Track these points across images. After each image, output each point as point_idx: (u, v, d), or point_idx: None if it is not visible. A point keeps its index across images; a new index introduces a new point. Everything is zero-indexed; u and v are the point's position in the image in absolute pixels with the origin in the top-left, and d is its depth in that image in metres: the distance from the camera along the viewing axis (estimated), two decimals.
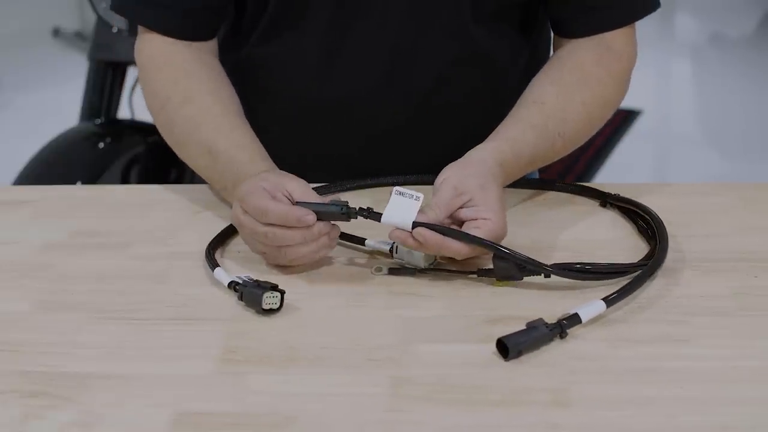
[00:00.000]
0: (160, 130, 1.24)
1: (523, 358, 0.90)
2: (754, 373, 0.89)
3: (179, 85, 1.22)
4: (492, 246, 1.01)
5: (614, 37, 1.24)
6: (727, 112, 4.24)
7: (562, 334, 0.92)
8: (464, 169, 1.08)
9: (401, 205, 1.02)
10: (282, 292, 0.98)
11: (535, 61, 1.32)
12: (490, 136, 1.17)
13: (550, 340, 0.92)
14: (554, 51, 1.29)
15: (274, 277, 1.03)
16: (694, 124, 4.20)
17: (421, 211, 1.02)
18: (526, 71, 1.30)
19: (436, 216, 1.03)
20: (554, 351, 0.91)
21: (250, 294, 0.99)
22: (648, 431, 0.81)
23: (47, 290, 1.06)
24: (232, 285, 1.01)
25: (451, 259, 1.04)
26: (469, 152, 1.12)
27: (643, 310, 0.98)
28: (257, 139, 1.19)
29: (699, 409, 0.84)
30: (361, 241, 1.10)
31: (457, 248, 1.01)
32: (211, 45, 1.28)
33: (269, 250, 1.05)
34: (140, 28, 1.27)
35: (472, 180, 1.05)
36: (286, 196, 1.05)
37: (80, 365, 0.91)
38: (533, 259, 1.00)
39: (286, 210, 1.02)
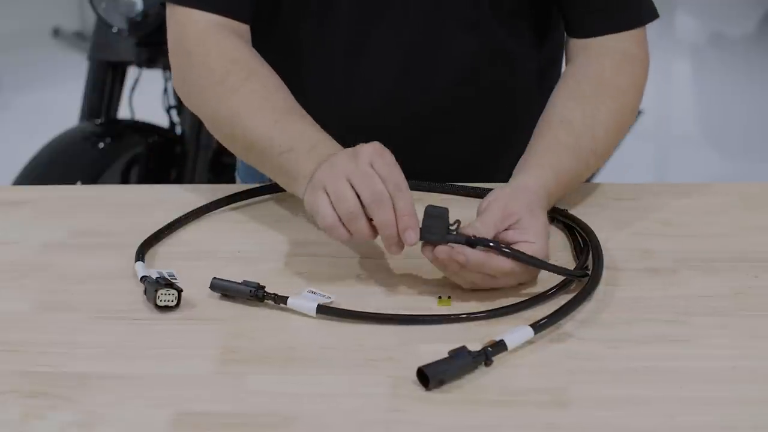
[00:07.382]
0: (208, 105, 1.20)
1: (522, 358, 0.90)
2: (754, 373, 0.89)
3: (238, 62, 1.20)
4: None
5: (630, 43, 1.24)
6: (727, 112, 4.24)
7: (487, 362, 0.89)
8: (513, 193, 1.06)
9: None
10: (179, 291, 0.99)
11: (550, 63, 1.33)
12: (527, 163, 1.14)
13: (474, 368, 0.88)
14: (567, 53, 1.29)
15: (268, 278, 1.03)
16: (694, 124, 4.20)
17: (469, 226, 1.00)
18: (541, 73, 1.31)
19: (485, 234, 1.00)
20: (552, 351, 0.91)
21: (148, 290, 1.00)
22: (646, 431, 0.81)
23: (47, 290, 1.06)
24: (143, 279, 1.02)
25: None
26: (513, 179, 1.11)
27: (642, 310, 0.98)
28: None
29: (698, 409, 0.84)
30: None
31: (499, 264, 0.99)
32: (248, 32, 1.26)
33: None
34: (179, 11, 1.23)
35: (521, 203, 1.04)
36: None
37: (80, 365, 0.91)
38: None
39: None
